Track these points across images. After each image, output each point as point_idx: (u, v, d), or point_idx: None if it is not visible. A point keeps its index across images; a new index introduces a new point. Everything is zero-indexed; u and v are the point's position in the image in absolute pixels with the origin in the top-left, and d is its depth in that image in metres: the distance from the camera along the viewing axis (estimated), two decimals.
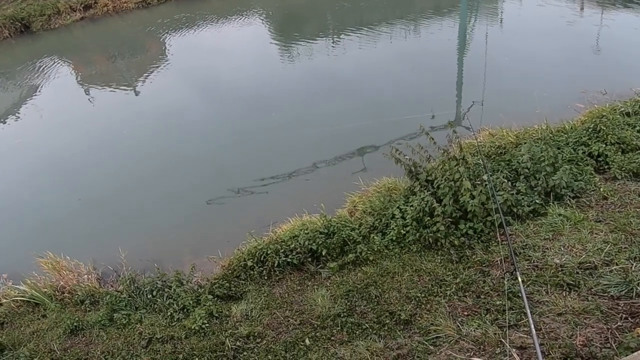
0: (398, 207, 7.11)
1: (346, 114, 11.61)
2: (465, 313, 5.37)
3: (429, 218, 6.69)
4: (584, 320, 4.69)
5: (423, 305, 5.68)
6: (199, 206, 9.46)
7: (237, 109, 12.91)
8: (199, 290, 6.87)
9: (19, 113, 15.43)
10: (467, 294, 5.63)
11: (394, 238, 6.82)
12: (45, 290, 7.50)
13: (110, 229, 9.25)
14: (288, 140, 11.07)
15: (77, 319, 6.78)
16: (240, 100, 13.27)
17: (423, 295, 5.81)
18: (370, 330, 5.58)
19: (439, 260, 6.35)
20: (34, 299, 7.45)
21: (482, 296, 5.52)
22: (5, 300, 7.55)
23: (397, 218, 6.96)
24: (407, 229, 6.78)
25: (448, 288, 5.80)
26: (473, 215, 6.54)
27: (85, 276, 7.78)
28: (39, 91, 16.76)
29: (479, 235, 6.52)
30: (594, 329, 4.57)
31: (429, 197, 6.75)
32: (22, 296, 7.47)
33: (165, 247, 8.48)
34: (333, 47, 16.26)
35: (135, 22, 21.84)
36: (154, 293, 6.94)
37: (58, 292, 7.53)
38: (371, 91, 12.78)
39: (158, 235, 8.89)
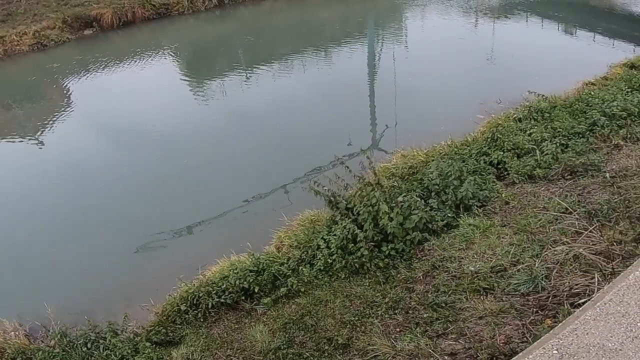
0: (322, 238, 7.35)
1: (264, 151, 11.62)
2: (398, 329, 5.65)
3: (352, 244, 6.97)
4: (502, 320, 5.10)
5: (358, 328, 5.91)
6: (121, 256, 9.13)
7: (150, 154, 12.44)
8: (136, 339, 6.73)
9: None
10: (396, 311, 5.94)
11: (322, 268, 7.04)
12: None
13: (31, 284, 8.75)
14: (207, 183, 10.87)
15: None
16: (153, 144, 12.79)
17: (357, 318, 6.05)
18: (312, 358, 5.72)
19: (367, 283, 6.64)
20: None
21: (410, 311, 5.85)
22: None
23: (323, 248, 7.19)
24: (333, 257, 7.02)
25: (379, 308, 6.08)
26: (393, 237, 6.91)
27: (12, 333, 7.38)
28: None
29: (401, 255, 6.90)
30: (511, 327, 4.98)
31: (351, 225, 7.05)
32: None
33: (93, 299, 8.13)
34: (246, 83, 16.20)
35: (31, 67, 20.54)
36: (89, 345, 6.68)
37: None
38: (287, 125, 12.89)
39: (83, 287, 8.49)
